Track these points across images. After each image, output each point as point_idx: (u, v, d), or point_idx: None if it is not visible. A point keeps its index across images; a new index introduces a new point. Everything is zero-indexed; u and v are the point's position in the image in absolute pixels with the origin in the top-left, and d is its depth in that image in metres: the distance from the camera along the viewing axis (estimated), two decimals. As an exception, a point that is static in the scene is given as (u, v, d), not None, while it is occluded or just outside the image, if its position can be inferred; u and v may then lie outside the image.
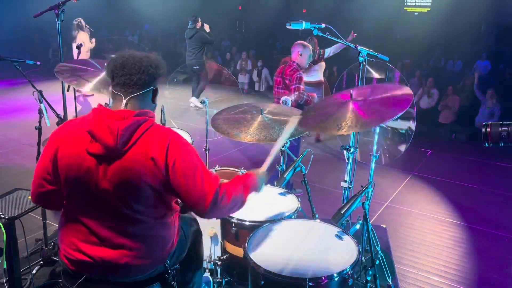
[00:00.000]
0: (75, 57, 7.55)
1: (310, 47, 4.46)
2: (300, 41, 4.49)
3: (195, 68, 8.46)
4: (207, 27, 8.41)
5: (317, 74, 6.10)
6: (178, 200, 1.94)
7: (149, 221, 1.82)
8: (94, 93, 3.51)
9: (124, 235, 1.80)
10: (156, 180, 1.75)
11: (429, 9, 12.89)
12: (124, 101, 1.80)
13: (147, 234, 1.83)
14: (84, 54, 7.64)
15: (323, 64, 6.14)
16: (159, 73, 1.84)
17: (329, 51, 6.00)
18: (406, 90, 2.45)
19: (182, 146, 1.80)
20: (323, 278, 1.89)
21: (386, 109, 2.32)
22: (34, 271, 3.09)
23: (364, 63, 2.79)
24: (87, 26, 7.56)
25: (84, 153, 1.75)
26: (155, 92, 1.87)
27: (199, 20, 8.44)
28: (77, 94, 4.93)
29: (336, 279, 1.91)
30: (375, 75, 6.47)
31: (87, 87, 3.09)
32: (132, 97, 1.80)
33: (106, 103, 1.94)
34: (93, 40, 7.82)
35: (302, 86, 4.24)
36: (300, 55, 4.33)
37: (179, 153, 1.77)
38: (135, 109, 1.79)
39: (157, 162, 1.74)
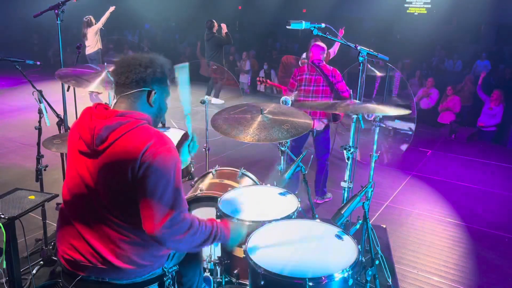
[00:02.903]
0: (87, 51, 8.04)
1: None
2: (317, 43, 4.41)
3: (213, 67, 8.71)
4: (224, 27, 8.59)
5: None
6: None
7: (135, 228, 1.76)
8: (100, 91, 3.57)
9: (110, 240, 1.76)
10: (130, 184, 1.68)
11: (429, 6, 12.89)
12: (114, 100, 1.82)
13: (134, 241, 1.78)
14: (93, 38, 8.06)
15: None
16: (147, 73, 1.76)
17: (331, 52, 6.01)
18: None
19: (162, 153, 1.67)
20: (323, 278, 1.89)
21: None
22: (34, 271, 3.09)
23: (364, 63, 2.79)
24: (95, 21, 8.18)
25: (76, 152, 1.79)
26: (150, 93, 1.80)
27: (215, 24, 8.62)
28: (89, 90, 5.12)
29: (336, 279, 1.91)
30: (377, 73, 6.50)
31: (89, 87, 3.11)
32: (122, 97, 1.79)
33: (106, 103, 1.94)
34: (98, 26, 8.23)
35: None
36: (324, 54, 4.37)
37: (155, 159, 1.65)
38: (124, 110, 1.77)
39: (131, 165, 1.65)
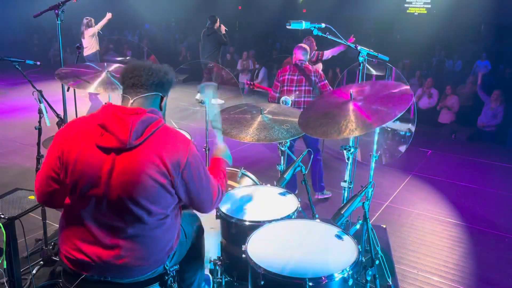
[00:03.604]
0: (85, 53, 8.15)
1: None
2: (301, 44, 4.55)
3: (210, 65, 8.66)
4: (223, 29, 8.58)
5: None
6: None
7: (151, 222, 1.82)
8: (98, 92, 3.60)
9: (123, 236, 1.79)
10: (166, 179, 1.78)
11: (429, 6, 12.90)
12: (131, 101, 1.83)
13: (147, 235, 1.83)
14: (90, 40, 8.14)
15: (320, 65, 6.21)
16: (167, 78, 1.89)
17: (328, 54, 6.07)
18: (405, 87, 2.45)
19: (191, 147, 1.86)
20: (323, 278, 1.89)
21: (387, 109, 2.29)
22: (34, 271, 3.09)
23: (364, 63, 2.79)
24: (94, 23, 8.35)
25: (93, 148, 1.75)
26: (162, 99, 1.92)
27: (218, 20, 8.59)
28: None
29: (336, 279, 1.91)
30: (374, 72, 6.52)
31: (89, 89, 3.12)
32: (139, 98, 1.84)
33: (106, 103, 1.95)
34: (97, 27, 8.33)
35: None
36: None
37: (189, 154, 1.82)
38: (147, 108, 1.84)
39: (168, 161, 1.76)
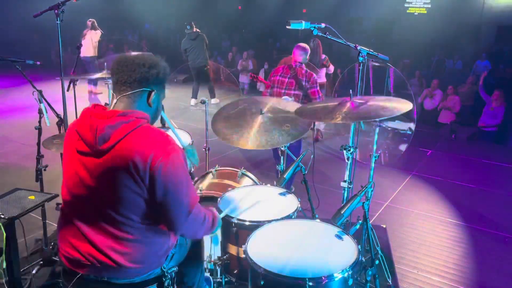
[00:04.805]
0: (82, 53, 8.28)
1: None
2: (301, 44, 4.48)
3: (206, 68, 8.74)
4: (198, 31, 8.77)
5: (321, 76, 6.24)
6: None
7: (138, 226, 1.78)
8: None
9: (112, 238, 1.77)
10: (139, 185, 1.70)
11: (429, 6, 12.90)
12: (114, 101, 1.78)
13: (137, 239, 1.79)
14: (90, 50, 8.24)
15: (324, 69, 6.28)
16: (151, 73, 1.76)
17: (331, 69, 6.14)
18: (408, 105, 2.48)
19: (170, 152, 1.70)
20: (323, 278, 1.89)
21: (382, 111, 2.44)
22: (34, 271, 3.09)
23: (364, 63, 2.78)
24: (99, 28, 8.56)
25: (74, 152, 1.78)
26: (150, 94, 1.80)
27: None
28: (88, 90, 5.22)
29: (336, 279, 1.91)
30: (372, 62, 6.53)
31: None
32: (123, 97, 1.77)
33: (106, 103, 1.95)
34: (98, 34, 8.48)
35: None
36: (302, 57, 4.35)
37: (166, 166, 1.68)
38: (124, 109, 1.75)
39: (140, 166, 1.66)
